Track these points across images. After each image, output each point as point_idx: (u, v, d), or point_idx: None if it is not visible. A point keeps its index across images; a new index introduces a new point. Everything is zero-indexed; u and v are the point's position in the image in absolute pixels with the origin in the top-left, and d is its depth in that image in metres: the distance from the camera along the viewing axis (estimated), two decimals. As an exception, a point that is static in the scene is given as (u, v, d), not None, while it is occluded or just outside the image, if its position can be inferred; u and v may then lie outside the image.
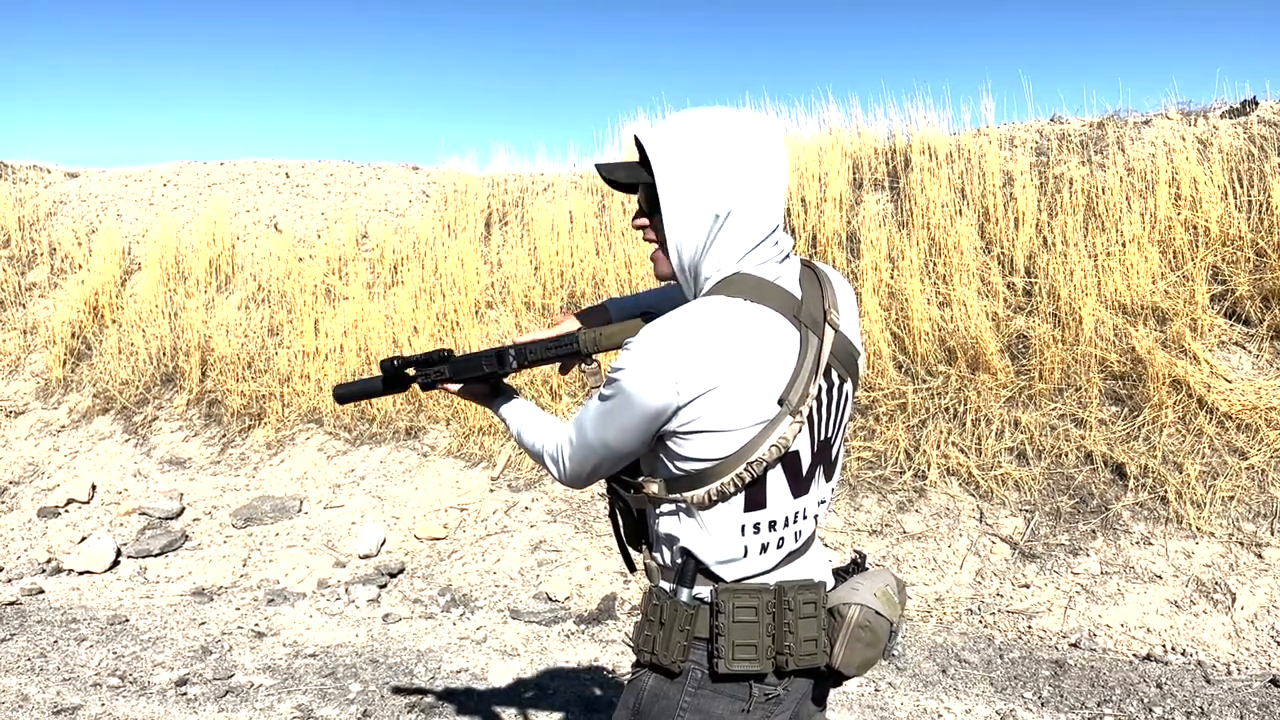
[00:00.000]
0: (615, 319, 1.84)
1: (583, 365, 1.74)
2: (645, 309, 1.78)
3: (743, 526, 1.46)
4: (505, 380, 1.86)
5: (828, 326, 1.48)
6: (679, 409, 1.40)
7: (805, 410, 1.44)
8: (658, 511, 1.53)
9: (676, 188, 1.44)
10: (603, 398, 1.47)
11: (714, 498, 1.44)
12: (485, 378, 1.82)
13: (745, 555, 1.48)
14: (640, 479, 1.53)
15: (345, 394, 2.03)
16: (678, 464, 1.45)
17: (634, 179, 1.52)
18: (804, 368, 1.44)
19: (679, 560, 1.50)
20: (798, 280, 1.51)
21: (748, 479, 1.43)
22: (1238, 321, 5.25)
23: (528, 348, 1.77)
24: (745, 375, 1.40)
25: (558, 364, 1.80)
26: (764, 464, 1.43)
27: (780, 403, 1.42)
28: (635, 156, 1.56)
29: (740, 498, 1.45)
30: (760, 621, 1.46)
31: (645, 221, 1.55)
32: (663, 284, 1.73)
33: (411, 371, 1.92)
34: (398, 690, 3.77)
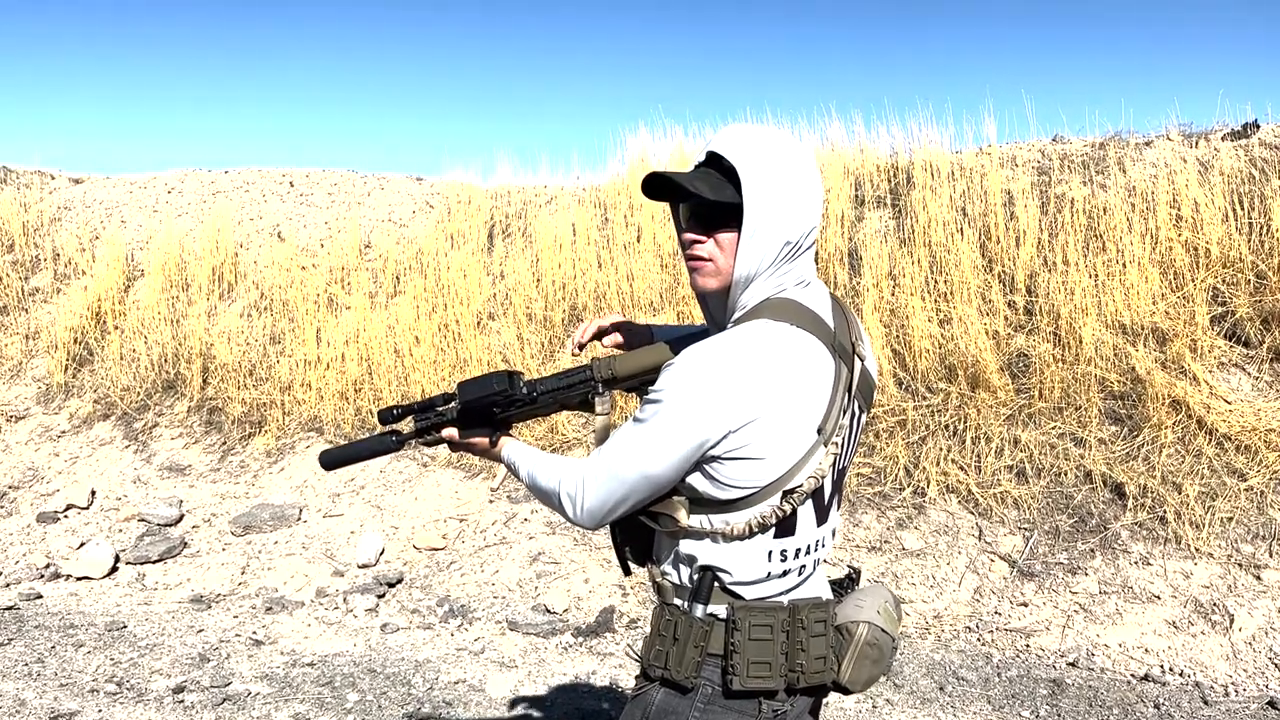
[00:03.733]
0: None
1: (595, 395, 1.66)
2: (680, 339, 1.73)
3: (770, 553, 1.46)
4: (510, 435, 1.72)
5: (856, 359, 1.50)
6: (727, 434, 1.38)
7: (838, 441, 1.45)
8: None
9: (764, 210, 1.41)
10: (640, 421, 1.42)
11: (754, 529, 1.43)
12: (493, 401, 1.67)
13: (768, 579, 1.48)
14: (662, 507, 1.49)
15: (333, 460, 1.83)
16: (711, 487, 1.44)
17: (719, 196, 1.44)
18: (838, 397, 1.45)
19: (696, 577, 1.49)
20: (830, 309, 1.52)
21: (788, 510, 1.43)
22: (1237, 343, 5.27)
23: (538, 381, 1.69)
24: (791, 402, 1.40)
25: (578, 408, 1.70)
26: (805, 495, 1.43)
27: (818, 431, 1.43)
28: (641, 169, 1.57)
29: (772, 527, 1.45)
30: (775, 639, 1.46)
31: (702, 236, 1.48)
32: (688, 324, 1.70)
33: (406, 427, 1.76)
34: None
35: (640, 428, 1.42)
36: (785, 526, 1.46)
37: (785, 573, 1.49)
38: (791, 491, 1.43)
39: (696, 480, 1.44)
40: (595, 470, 1.47)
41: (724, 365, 1.37)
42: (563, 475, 1.52)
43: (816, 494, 1.48)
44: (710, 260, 1.48)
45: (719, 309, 1.53)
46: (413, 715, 3.74)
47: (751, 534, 1.44)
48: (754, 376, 1.37)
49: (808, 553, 1.50)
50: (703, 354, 1.39)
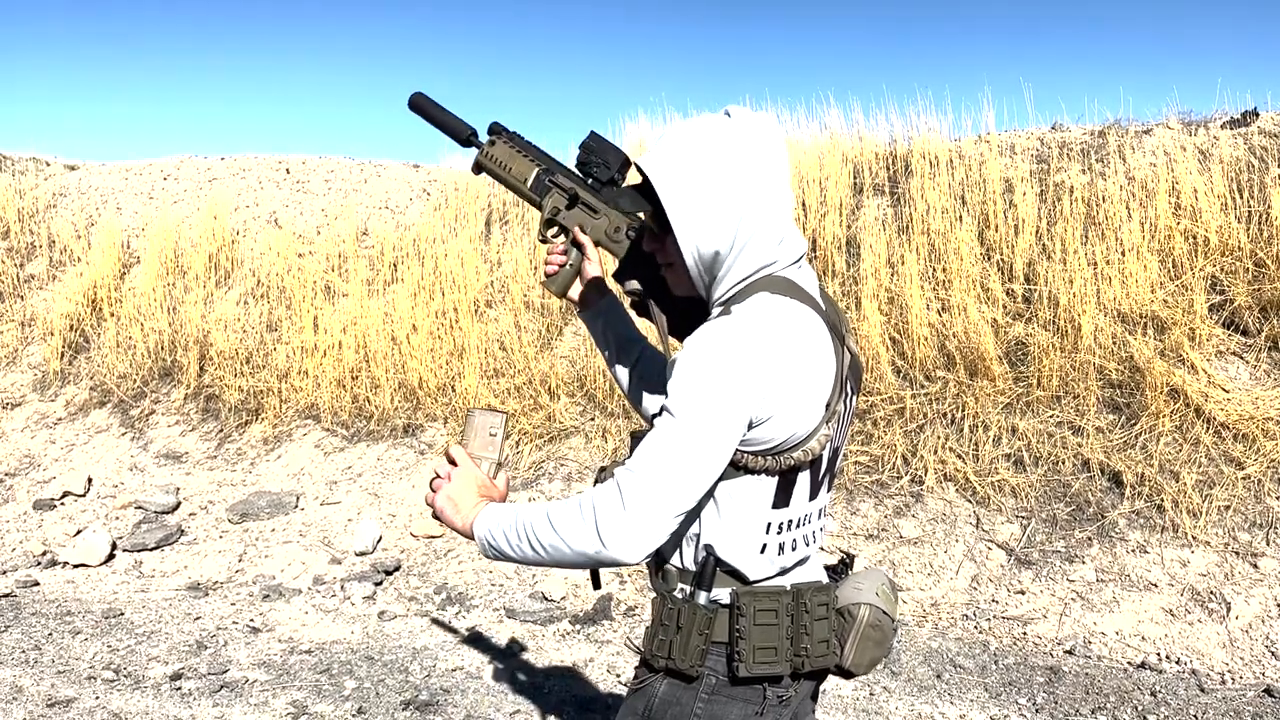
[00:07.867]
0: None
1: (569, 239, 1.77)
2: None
3: (768, 524, 1.46)
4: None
5: (846, 337, 1.52)
6: (762, 408, 1.36)
7: (837, 414, 1.47)
8: None
9: (687, 216, 1.40)
10: (678, 416, 1.33)
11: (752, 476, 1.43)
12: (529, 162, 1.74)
13: (764, 552, 1.47)
14: None
15: (421, 105, 1.83)
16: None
17: (638, 208, 1.54)
18: (840, 374, 1.47)
19: (699, 560, 1.48)
20: (818, 292, 1.53)
21: (786, 469, 1.43)
22: (1236, 331, 5.26)
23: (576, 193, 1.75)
24: (807, 383, 1.40)
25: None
26: (801, 465, 1.43)
27: (826, 406, 1.43)
28: (640, 156, 1.55)
29: (770, 494, 1.44)
30: (780, 624, 1.46)
31: (658, 245, 1.55)
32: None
33: (490, 138, 1.78)
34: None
35: (680, 426, 1.33)
36: (782, 498, 1.45)
37: (780, 548, 1.48)
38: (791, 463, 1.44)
39: None
40: (641, 478, 1.32)
41: (747, 353, 1.34)
42: (578, 500, 1.36)
43: (815, 468, 1.48)
44: (672, 265, 1.54)
45: (709, 309, 1.51)
46: (410, 702, 3.74)
47: (754, 470, 1.42)
48: (776, 362, 1.36)
49: (798, 526, 1.50)
50: (720, 344, 1.34)
